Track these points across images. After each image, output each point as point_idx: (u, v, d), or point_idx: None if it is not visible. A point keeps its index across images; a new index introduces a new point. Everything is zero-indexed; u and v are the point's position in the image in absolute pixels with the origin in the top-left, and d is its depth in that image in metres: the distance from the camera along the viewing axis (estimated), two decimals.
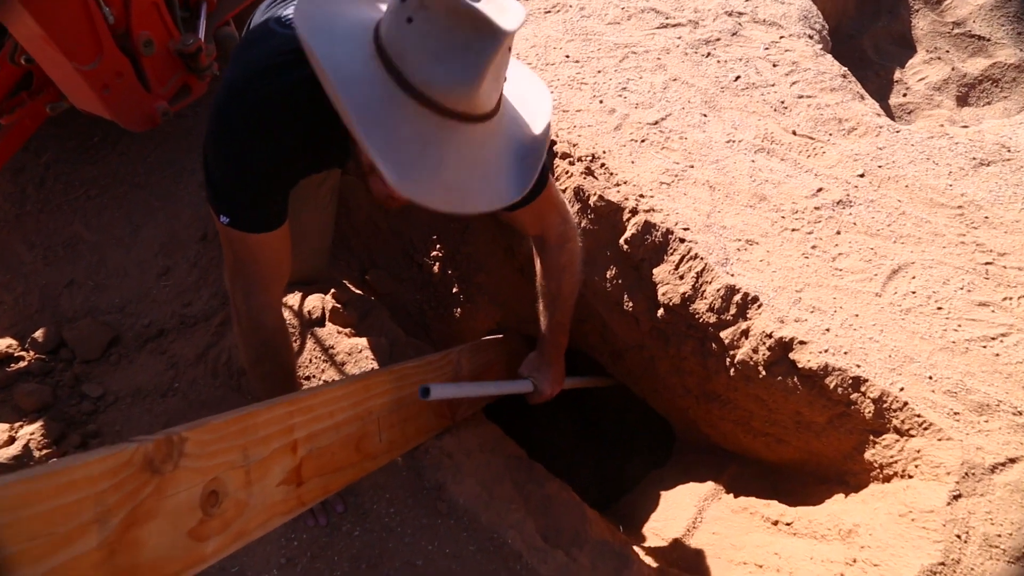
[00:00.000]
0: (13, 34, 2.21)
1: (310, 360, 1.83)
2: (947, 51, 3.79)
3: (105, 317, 2.19)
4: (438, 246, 2.43)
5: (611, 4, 3.04)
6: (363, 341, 1.84)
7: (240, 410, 1.02)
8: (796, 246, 2.00)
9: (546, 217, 1.68)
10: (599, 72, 2.68)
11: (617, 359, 2.47)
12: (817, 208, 2.10)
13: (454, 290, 2.45)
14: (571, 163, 2.24)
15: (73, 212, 2.55)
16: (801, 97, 2.52)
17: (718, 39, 2.81)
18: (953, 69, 3.69)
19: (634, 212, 2.07)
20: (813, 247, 1.98)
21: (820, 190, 2.15)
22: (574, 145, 2.28)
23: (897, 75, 3.70)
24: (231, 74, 1.31)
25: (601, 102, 2.53)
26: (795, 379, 1.77)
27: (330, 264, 2.17)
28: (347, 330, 1.88)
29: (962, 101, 3.65)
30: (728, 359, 1.92)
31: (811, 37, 2.83)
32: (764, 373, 1.82)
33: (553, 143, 2.28)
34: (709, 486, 2.21)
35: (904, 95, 3.73)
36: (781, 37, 2.81)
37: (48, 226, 2.52)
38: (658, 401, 2.45)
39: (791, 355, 1.76)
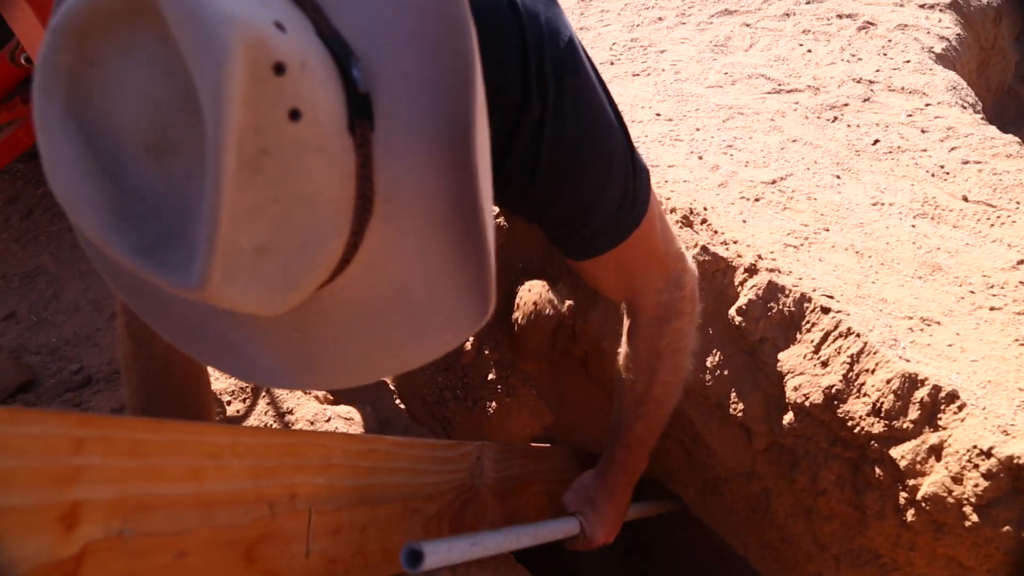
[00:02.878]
0: (15, 31, 1.97)
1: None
2: None
3: (31, 358, 1.69)
4: None
5: (711, 70, 2.59)
6: (339, 409, 1.23)
7: None
8: (1002, 329, 1.33)
9: (638, 275, 1.03)
10: (697, 130, 2.17)
11: (709, 493, 1.75)
12: None
13: (490, 376, 1.84)
14: None
15: (48, 243, 2.15)
16: (967, 163, 1.93)
17: (846, 104, 2.29)
18: None
19: (752, 271, 1.46)
20: None
21: (1022, 262, 1.50)
22: (666, 199, 1.72)
23: None
24: None
25: (700, 158, 2.00)
26: None
27: None
28: (319, 393, 1.28)
29: None
30: (904, 493, 1.21)
31: (964, 108, 2.27)
32: (975, 518, 1.10)
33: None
34: None
35: None
36: (927, 105, 2.26)
37: (16, 255, 2.13)
38: (768, 562, 1.69)
39: None
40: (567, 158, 0.81)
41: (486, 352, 1.86)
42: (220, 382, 1.34)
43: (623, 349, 1.18)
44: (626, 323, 1.16)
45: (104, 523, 0.57)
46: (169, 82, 0.44)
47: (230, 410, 1.28)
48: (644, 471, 1.34)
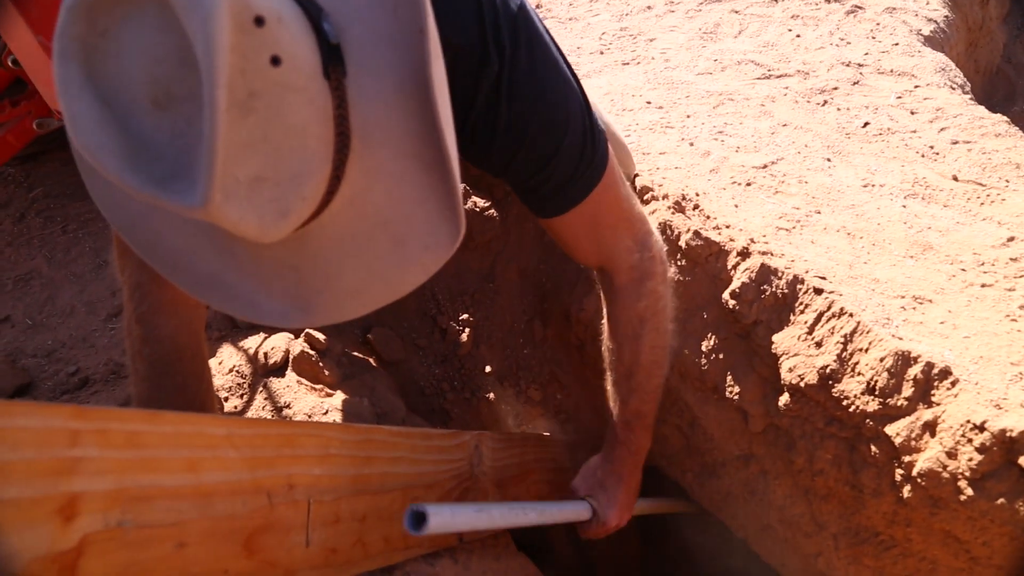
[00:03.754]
0: (2, 33, 1.96)
1: None
2: None
3: (27, 361, 1.69)
4: (470, 308, 1.85)
5: (701, 57, 2.59)
6: (337, 403, 1.24)
7: None
8: (994, 305, 1.33)
9: (607, 236, 1.07)
10: (688, 116, 2.17)
11: (708, 477, 1.76)
12: (1015, 259, 1.44)
13: (487, 369, 1.84)
14: (653, 199, 1.68)
15: (41, 246, 2.15)
16: (956, 143, 1.94)
17: (835, 88, 2.29)
18: None
19: (745, 254, 1.46)
20: (1023, 307, 1.31)
21: (1012, 239, 1.51)
22: (659, 185, 1.73)
23: None
24: None
25: (691, 144, 2.00)
26: None
27: None
28: (316, 387, 1.28)
29: None
30: (900, 471, 1.22)
31: (953, 89, 2.28)
32: (970, 492, 1.11)
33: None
34: None
35: None
36: (916, 86, 2.26)
37: (9, 259, 2.13)
38: (768, 544, 1.70)
39: None
40: (525, 110, 0.87)
41: (481, 346, 1.87)
42: (217, 378, 1.34)
43: (604, 324, 1.21)
44: (604, 299, 1.19)
45: (103, 515, 0.57)
46: (168, 43, 0.51)
47: (228, 406, 1.28)
48: (646, 465, 1.36)
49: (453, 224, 0.63)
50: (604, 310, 1.20)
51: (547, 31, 0.91)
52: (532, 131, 0.89)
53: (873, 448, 1.26)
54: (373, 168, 0.61)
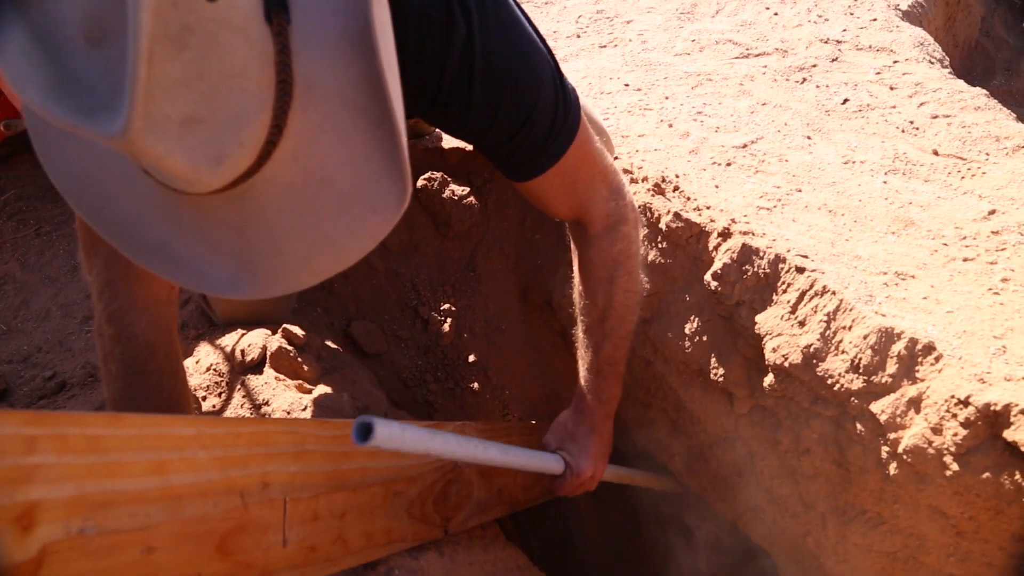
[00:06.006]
0: None
1: None
2: None
3: (2, 367, 1.67)
4: (451, 298, 1.83)
5: (678, 38, 2.57)
6: (316, 398, 1.21)
7: None
8: (976, 279, 1.33)
9: (583, 188, 1.09)
10: (666, 98, 2.16)
11: (695, 460, 1.75)
12: (996, 232, 1.44)
13: (470, 359, 1.83)
14: (633, 181, 1.66)
15: (14, 249, 2.11)
16: (936, 117, 1.93)
17: (814, 65, 2.28)
18: None
19: (726, 235, 1.45)
20: (1005, 280, 1.31)
21: (993, 212, 1.51)
22: (638, 168, 1.71)
23: None
24: None
25: (671, 126, 1.99)
26: (1017, 476, 1.05)
27: (295, 306, 1.58)
28: (295, 383, 1.26)
29: None
30: (885, 448, 1.22)
31: (932, 63, 2.27)
32: (955, 467, 1.10)
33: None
34: None
35: None
36: (895, 62, 2.25)
37: None
38: (756, 524, 1.70)
39: (1009, 434, 1.05)
40: (500, 75, 0.86)
41: (464, 335, 1.85)
42: (195, 378, 1.31)
43: (576, 275, 1.21)
44: (575, 250, 1.19)
45: (63, 523, 0.55)
46: None
47: (206, 405, 1.26)
48: (622, 442, 1.35)
49: (400, 183, 0.61)
50: (576, 258, 1.21)
51: None
52: (507, 96, 0.88)
53: (859, 426, 1.25)
54: (317, 122, 0.58)
